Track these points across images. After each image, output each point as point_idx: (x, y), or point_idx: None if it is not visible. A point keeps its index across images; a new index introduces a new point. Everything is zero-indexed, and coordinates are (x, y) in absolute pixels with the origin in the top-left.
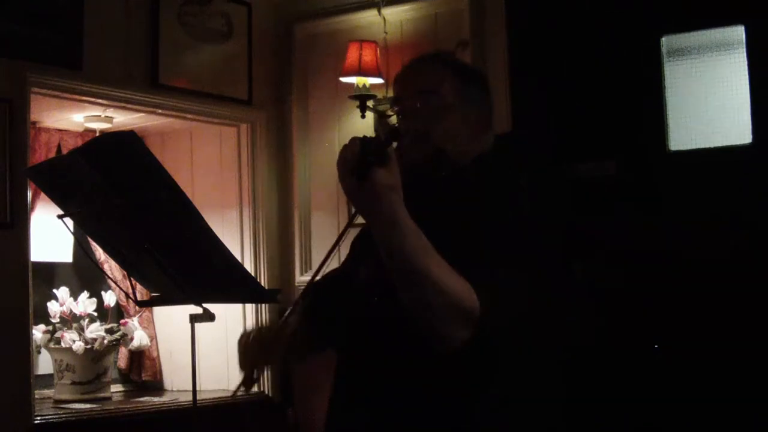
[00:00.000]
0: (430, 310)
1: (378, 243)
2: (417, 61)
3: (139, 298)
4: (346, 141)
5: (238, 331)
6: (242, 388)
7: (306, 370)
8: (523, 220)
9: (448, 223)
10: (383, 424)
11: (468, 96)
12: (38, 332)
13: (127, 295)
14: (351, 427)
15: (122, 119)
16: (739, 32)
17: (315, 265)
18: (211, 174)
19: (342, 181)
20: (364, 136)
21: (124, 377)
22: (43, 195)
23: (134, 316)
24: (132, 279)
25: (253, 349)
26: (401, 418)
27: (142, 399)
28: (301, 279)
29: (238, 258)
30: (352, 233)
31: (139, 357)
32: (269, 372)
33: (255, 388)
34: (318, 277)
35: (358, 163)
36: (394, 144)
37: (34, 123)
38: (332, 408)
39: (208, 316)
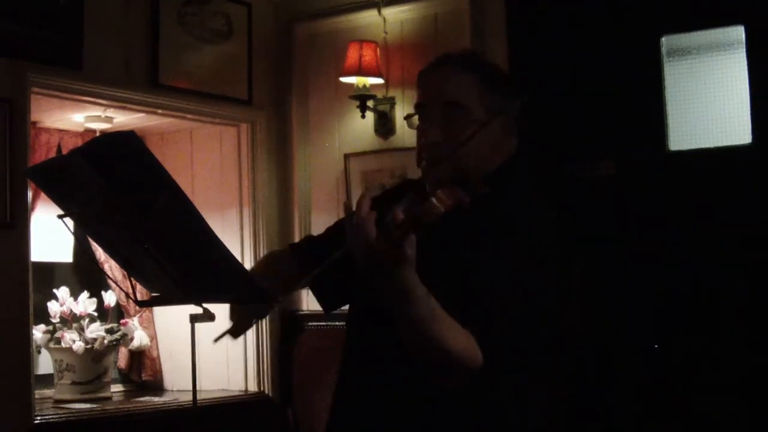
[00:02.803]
0: (435, 367)
1: (388, 307)
2: (443, 64)
3: (139, 298)
4: (347, 141)
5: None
6: (228, 335)
7: (306, 369)
8: (521, 234)
9: (457, 244)
10: (384, 427)
11: (494, 105)
12: (38, 332)
13: (127, 295)
14: (353, 429)
15: (122, 119)
16: (739, 32)
17: None
18: (211, 174)
19: (352, 245)
20: (380, 231)
21: (124, 377)
22: (43, 195)
23: (134, 316)
24: (132, 279)
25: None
26: (402, 421)
27: (142, 399)
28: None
29: (238, 258)
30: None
31: (139, 357)
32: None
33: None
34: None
35: (371, 260)
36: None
37: (34, 123)
38: (335, 409)
39: (208, 316)
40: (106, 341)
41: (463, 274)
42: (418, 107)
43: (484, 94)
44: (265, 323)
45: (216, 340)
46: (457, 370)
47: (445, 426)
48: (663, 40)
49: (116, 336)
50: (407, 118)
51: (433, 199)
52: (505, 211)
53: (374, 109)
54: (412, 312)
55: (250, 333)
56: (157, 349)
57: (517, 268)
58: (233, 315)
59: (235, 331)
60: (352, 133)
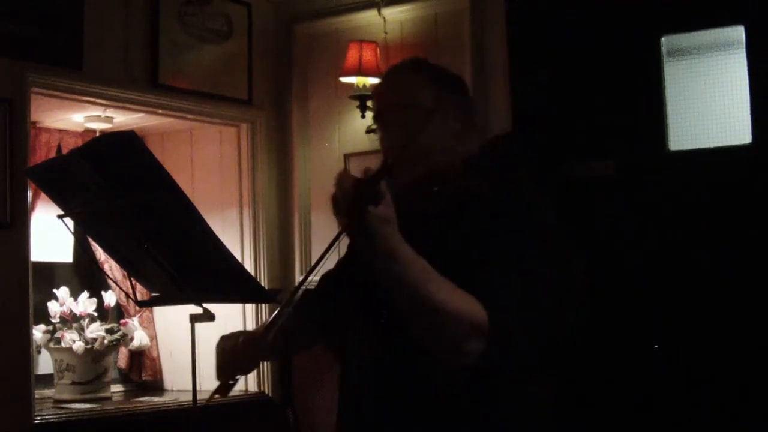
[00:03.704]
0: (438, 330)
1: (379, 275)
2: (393, 73)
3: (139, 298)
4: (347, 141)
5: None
6: (217, 396)
7: (305, 369)
8: (520, 221)
9: (448, 237)
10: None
11: (448, 101)
12: (38, 332)
13: (127, 295)
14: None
15: (122, 119)
16: (739, 32)
17: None
18: (211, 174)
19: (336, 217)
20: (357, 179)
21: (124, 377)
22: (43, 195)
23: (134, 316)
24: (132, 279)
25: (231, 358)
26: (404, 424)
27: (142, 399)
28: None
29: (238, 258)
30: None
31: (139, 357)
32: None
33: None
34: (309, 278)
35: (352, 205)
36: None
37: (34, 123)
38: (340, 414)
39: (208, 316)
40: (106, 341)
41: (465, 265)
42: (377, 118)
43: (436, 91)
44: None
45: (208, 401)
46: (464, 333)
47: (451, 428)
48: (663, 40)
49: (116, 336)
50: (369, 132)
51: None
52: (500, 200)
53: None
54: (403, 274)
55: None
56: (157, 349)
57: (524, 251)
58: (220, 374)
59: (223, 392)
60: (352, 133)
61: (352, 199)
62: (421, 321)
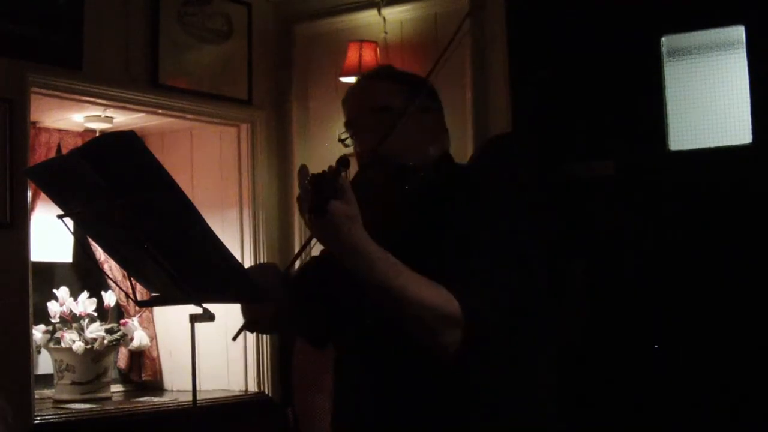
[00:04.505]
0: (414, 323)
1: (349, 272)
2: (362, 80)
3: (139, 298)
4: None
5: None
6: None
7: (305, 369)
8: (491, 214)
9: (421, 231)
10: (383, 425)
11: (417, 104)
12: (38, 332)
13: (127, 295)
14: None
15: (122, 119)
16: (739, 32)
17: None
18: (211, 174)
19: (302, 217)
20: (315, 174)
21: (124, 377)
22: (43, 195)
23: (134, 316)
24: (132, 279)
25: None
26: (400, 419)
27: (142, 399)
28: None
29: (238, 258)
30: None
31: (139, 357)
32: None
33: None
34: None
35: (313, 200)
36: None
37: (34, 123)
38: (336, 407)
39: (208, 316)
40: (106, 341)
41: (431, 246)
42: (348, 124)
43: (405, 95)
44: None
45: (235, 337)
46: (438, 324)
47: (442, 424)
48: (663, 40)
49: (116, 336)
50: (341, 140)
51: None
52: (459, 180)
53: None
54: (370, 270)
55: (250, 333)
56: (157, 349)
57: (485, 222)
58: (245, 312)
59: (251, 324)
60: None
61: (313, 196)
62: (393, 311)
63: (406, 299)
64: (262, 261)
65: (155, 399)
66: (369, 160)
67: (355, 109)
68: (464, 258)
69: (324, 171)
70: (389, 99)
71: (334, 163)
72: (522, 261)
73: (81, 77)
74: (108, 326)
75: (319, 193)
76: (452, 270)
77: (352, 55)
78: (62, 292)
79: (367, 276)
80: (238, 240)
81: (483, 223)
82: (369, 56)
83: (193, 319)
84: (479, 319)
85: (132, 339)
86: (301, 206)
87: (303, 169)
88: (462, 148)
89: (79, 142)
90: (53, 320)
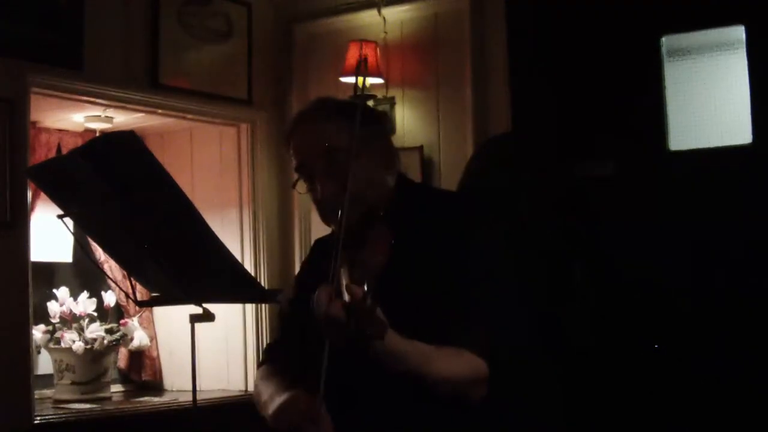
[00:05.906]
0: (447, 394)
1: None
2: (303, 122)
3: (139, 298)
4: None
5: (239, 331)
6: None
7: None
8: (477, 263)
9: (420, 270)
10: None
11: (364, 134)
12: (38, 332)
13: (127, 295)
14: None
15: (122, 119)
16: (739, 32)
17: None
18: (211, 174)
19: (326, 337)
20: (344, 303)
21: (124, 377)
22: (43, 195)
23: (134, 316)
24: (132, 279)
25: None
26: (401, 419)
27: (142, 399)
28: None
29: (238, 258)
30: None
31: (139, 357)
32: None
33: None
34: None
35: (355, 337)
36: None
37: (34, 123)
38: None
39: (208, 316)
40: (105, 341)
41: (433, 298)
42: (299, 169)
43: (350, 129)
44: (265, 323)
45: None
46: (471, 390)
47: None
48: (663, 40)
49: (116, 336)
50: (294, 186)
51: (368, 254)
52: (443, 223)
53: (374, 109)
54: (408, 366)
55: (250, 333)
56: (157, 349)
57: (481, 271)
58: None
59: None
60: None
61: (352, 332)
62: (430, 389)
63: (441, 379)
64: (262, 261)
65: (155, 399)
66: (339, 204)
67: (303, 155)
68: (470, 307)
69: (355, 302)
70: (334, 138)
71: (349, 284)
72: (521, 292)
73: (81, 77)
74: (108, 326)
75: (362, 332)
76: (460, 321)
77: (352, 55)
78: (62, 292)
79: (403, 370)
80: (238, 240)
81: (481, 266)
82: (369, 56)
83: (193, 319)
84: (500, 365)
85: (132, 339)
86: (328, 332)
87: (323, 296)
88: (462, 148)
89: (79, 142)
90: (53, 320)
